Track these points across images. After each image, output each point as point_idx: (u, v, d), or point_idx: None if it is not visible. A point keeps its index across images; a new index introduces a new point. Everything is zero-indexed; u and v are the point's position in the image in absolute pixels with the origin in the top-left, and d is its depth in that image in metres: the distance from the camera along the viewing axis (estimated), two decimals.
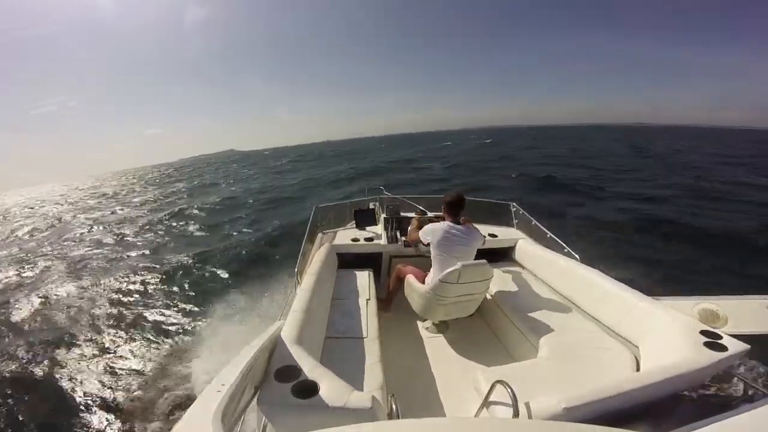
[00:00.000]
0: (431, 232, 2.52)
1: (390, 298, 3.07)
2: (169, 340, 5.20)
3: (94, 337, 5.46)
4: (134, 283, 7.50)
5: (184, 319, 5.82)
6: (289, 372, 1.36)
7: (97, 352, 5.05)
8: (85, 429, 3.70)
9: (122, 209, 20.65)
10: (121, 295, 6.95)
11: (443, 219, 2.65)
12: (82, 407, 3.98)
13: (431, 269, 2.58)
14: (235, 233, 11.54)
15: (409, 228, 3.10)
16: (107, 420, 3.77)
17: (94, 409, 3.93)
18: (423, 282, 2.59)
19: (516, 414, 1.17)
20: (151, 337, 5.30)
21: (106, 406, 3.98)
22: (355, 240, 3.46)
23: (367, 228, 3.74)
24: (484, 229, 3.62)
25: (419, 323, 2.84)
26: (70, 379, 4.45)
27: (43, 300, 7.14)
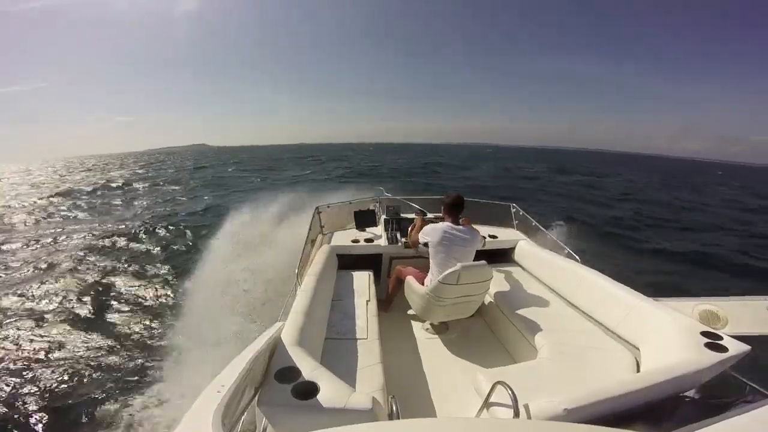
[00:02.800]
0: (431, 232, 2.53)
1: (390, 299, 3.07)
2: None
3: None
4: None
5: None
6: (289, 373, 1.36)
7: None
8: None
9: None
10: None
11: (443, 220, 2.66)
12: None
13: (430, 270, 2.59)
14: None
15: (411, 230, 3.11)
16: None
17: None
18: (423, 283, 2.59)
19: (516, 415, 1.17)
20: None
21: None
22: (355, 241, 3.46)
23: (367, 229, 3.74)
24: (485, 230, 3.63)
25: (419, 324, 2.84)
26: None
27: None
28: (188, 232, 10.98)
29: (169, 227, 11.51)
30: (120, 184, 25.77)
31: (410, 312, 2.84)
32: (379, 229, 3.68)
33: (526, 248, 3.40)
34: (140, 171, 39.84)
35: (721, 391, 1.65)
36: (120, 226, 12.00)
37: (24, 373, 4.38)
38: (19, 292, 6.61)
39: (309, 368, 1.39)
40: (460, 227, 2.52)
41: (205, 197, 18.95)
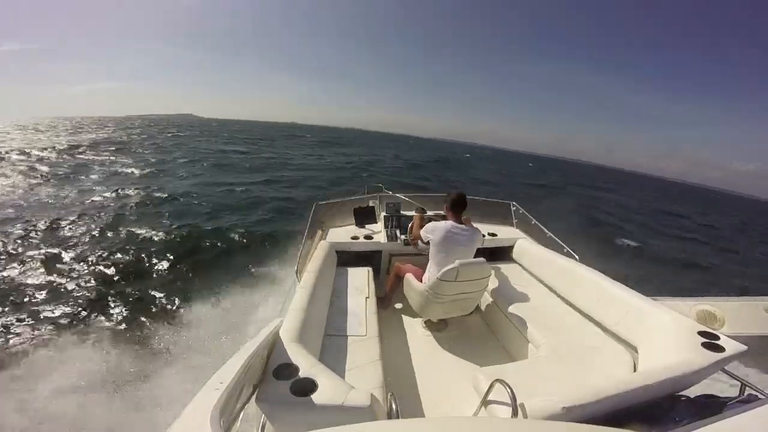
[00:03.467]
0: (432, 231, 2.53)
1: (389, 296, 3.07)
2: None
3: None
4: None
5: None
6: (287, 370, 1.36)
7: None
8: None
9: None
10: None
11: (443, 218, 2.65)
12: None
13: (428, 267, 2.59)
14: None
15: (412, 225, 3.10)
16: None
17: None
18: (422, 280, 2.59)
19: (515, 413, 1.18)
20: None
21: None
22: (354, 238, 3.46)
23: (367, 226, 3.74)
24: (484, 228, 3.63)
25: (418, 321, 2.85)
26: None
27: None
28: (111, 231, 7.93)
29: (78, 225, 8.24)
30: (68, 148, 21.92)
31: (409, 309, 2.85)
32: (378, 226, 3.67)
33: (525, 246, 3.41)
34: (112, 135, 35.19)
35: (718, 391, 1.66)
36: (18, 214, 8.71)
37: None
38: None
39: (308, 365, 1.39)
40: (462, 226, 2.52)
41: (167, 175, 15.51)
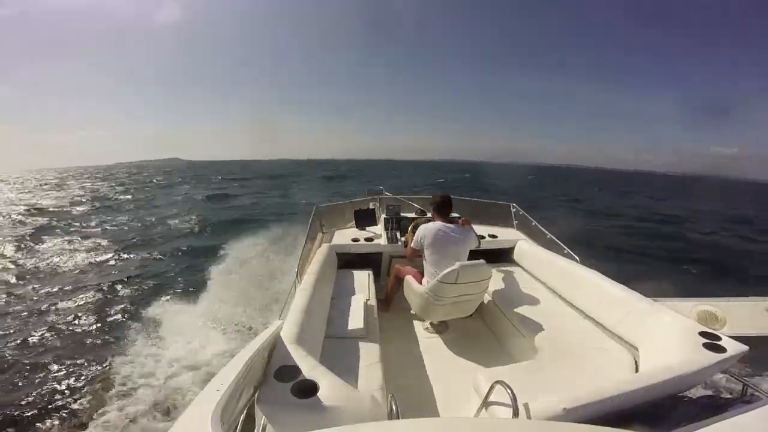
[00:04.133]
0: (424, 233, 2.55)
1: (389, 298, 3.08)
2: None
3: None
4: None
5: None
6: (288, 372, 1.36)
7: None
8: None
9: None
10: None
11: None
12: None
13: (425, 270, 2.60)
14: None
15: (406, 243, 3.00)
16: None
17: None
18: (422, 282, 2.60)
19: (515, 414, 1.17)
20: None
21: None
22: (355, 240, 3.46)
23: (367, 228, 3.74)
24: (485, 229, 3.64)
25: (419, 323, 2.85)
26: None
27: None
28: None
29: None
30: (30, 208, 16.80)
31: (410, 311, 2.84)
32: (379, 228, 3.68)
33: (525, 248, 3.41)
34: (93, 187, 30.37)
35: (719, 391, 1.66)
36: None
37: None
38: None
39: (308, 367, 1.39)
40: (452, 226, 2.55)
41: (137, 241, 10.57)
